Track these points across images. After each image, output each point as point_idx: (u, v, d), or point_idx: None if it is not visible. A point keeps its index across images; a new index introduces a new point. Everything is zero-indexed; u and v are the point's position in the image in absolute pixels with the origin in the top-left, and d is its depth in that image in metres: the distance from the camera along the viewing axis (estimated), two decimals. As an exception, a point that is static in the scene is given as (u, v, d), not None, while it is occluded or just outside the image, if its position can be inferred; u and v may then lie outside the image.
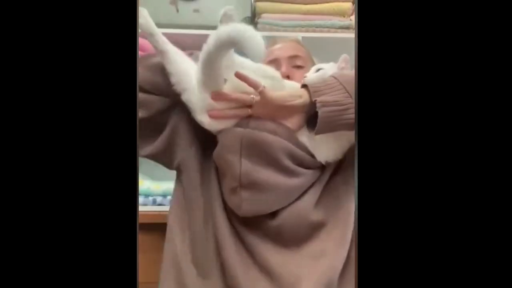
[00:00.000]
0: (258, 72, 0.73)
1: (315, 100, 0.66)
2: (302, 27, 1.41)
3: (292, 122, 0.71)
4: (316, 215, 0.69)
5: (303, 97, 0.70)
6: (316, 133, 0.67)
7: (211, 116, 0.70)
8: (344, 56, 0.78)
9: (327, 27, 1.43)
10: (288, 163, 0.68)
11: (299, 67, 0.89)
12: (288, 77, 0.85)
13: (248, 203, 0.67)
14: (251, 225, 0.69)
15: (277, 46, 0.93)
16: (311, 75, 0.77)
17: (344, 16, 1.45)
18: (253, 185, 0.67)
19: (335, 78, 0.69)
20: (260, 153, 0.67)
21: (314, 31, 1.42)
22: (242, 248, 0.69)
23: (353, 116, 0.65)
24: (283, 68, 0.87)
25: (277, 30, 1.39)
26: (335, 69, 0.77)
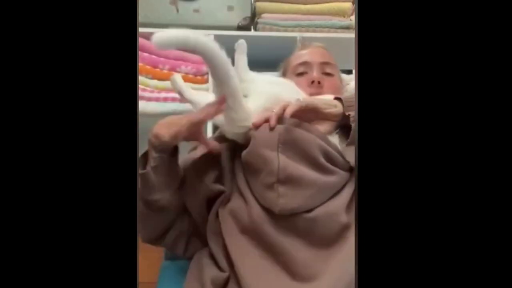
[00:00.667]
0: (273, 81, 0.78)
1: (349, 114, 0.70)
2: (302, 27, 1.41)
3: (323, 127, 0.74)
4: (345, 217, 0.69)
5: (338, 107, 0.73)
6: (348, 145, 0.71)
7: (255, 125, 0.72)
8: None
9: (327, 27, 1.43)
10: (323, 161, 0.70)
11: (328, 74, 0.91)
12: (319, 83, 0.87)
13: (285, 198, 0.67)
14: (283, 222, 0.69)
15: (307, 50, 0.95)
16: (352, 85, 0.83)
17: (344, 16, 1.45)
18: (290, 180, 0.67)
19: None
20: (297, 149, 0.69)
21: (314, 31, 1.42)
22: (266, 246, 0.68)
23: None
24: (315, 74, 0.89)
25: (277, 30, 1.39)
26: None
